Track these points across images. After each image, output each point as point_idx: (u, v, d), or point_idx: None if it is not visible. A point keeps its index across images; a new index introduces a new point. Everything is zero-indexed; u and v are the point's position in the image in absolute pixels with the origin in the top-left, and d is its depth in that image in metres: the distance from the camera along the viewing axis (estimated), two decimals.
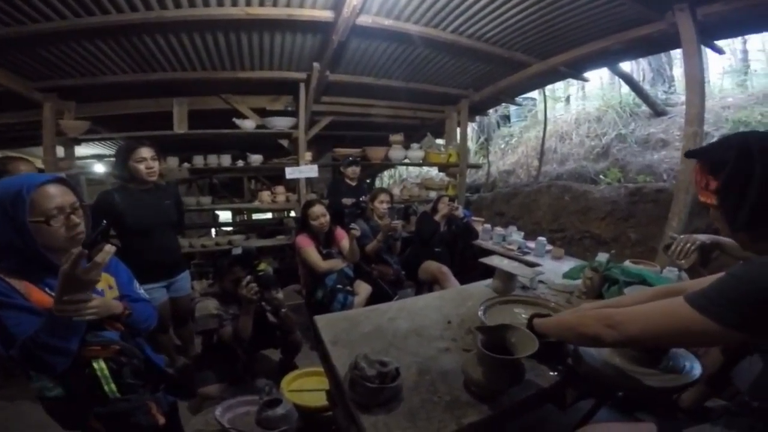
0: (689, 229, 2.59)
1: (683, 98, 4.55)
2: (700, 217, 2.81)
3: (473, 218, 3.77)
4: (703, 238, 1.54)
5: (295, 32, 2.95)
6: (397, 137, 4.52)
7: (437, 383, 1.14)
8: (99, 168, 4.22)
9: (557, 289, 1.88)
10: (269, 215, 6.57)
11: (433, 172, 6.09)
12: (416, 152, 4.56)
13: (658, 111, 5.13)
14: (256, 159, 3.89)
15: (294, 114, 3.86)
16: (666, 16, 2.66)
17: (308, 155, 3.85)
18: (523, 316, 1.43)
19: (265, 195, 3.91)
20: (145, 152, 2.12)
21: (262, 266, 3.11)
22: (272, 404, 1.66)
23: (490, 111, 6.18)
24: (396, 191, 4.64)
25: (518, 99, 5.16)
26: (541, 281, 1.97)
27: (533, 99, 6.83)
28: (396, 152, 4.43)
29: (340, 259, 2.73)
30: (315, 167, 3.69)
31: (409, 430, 0.96)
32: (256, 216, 7.35)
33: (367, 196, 3.39)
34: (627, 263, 2.10)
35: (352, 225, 2.65)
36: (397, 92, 4.23)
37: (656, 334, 0.82)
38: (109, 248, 1.02)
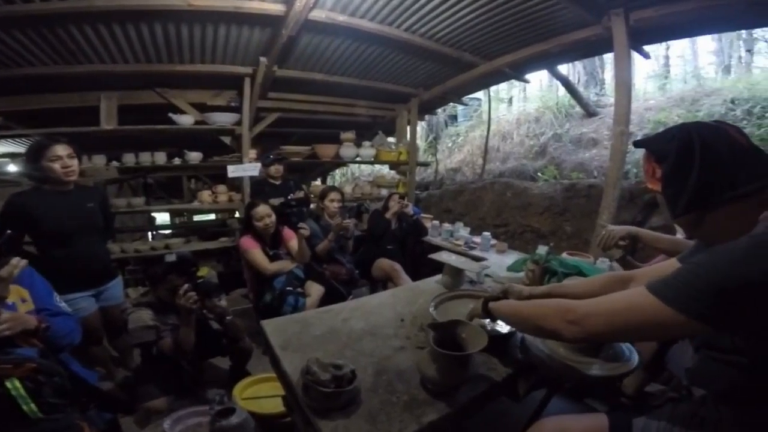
0: (617, 221, 2.83)
1: (612, 100, 4.96)
2: (627, 210, 3.08)
3: (422, 215, 3.84)
4: (621, 232, 1.65)
5: (241, 25, 2.82)
6: (349, 135, 4.47)
7: (395, 383, 1.13)
8: (12, 168, 3.75)
9: (502, 282, 1.95)
10: (212, 216, 6.23)
11: (385, 170, 6.14)
12: (368, 150, 4.54)
13: (589, 112, 5.55)
14: (194, 157, 3.67)
15: (237, 110, 3.68)
16: (602, 21, 2.85)
17: (252, 153, 3.70)
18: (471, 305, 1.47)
19: (206, 195, 3.70)
20: (60, 150, 1.88)
21: (204, 272, 2.94)
22: (225, 414, 1.57)
23: (439, 110, 6.34)
24: (348, 189, 4.60)
25: (465, 99, 5.34)
26: (487, 275, 2.04)
27: (479, 99, 7.11)
28: (347, 150, 4.39)
29: (288, 260, 2.64)
30: (259, 165, 3.55)
31: None
32: (198, 217, 6.94)
33: (294, 194, 3.32)
34: (564, 255, 2.25)
35: (301, 224, 2.57)
36: (349, 89, 4.18)
37: (621, 328, 0.80)
38: (18, 262, 0.90)
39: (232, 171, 3.41)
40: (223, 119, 3.59)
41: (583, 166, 4.66)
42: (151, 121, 3.41)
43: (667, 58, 7.52)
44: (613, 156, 2.85)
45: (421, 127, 7.59)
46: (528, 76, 4.38)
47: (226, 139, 3.82)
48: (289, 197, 3.30)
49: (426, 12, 2.85)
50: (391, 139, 5.21)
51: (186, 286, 1.77)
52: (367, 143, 4.61)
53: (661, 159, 0.88)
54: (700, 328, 0.72)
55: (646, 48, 3.29)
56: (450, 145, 7.46)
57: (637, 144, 0.96)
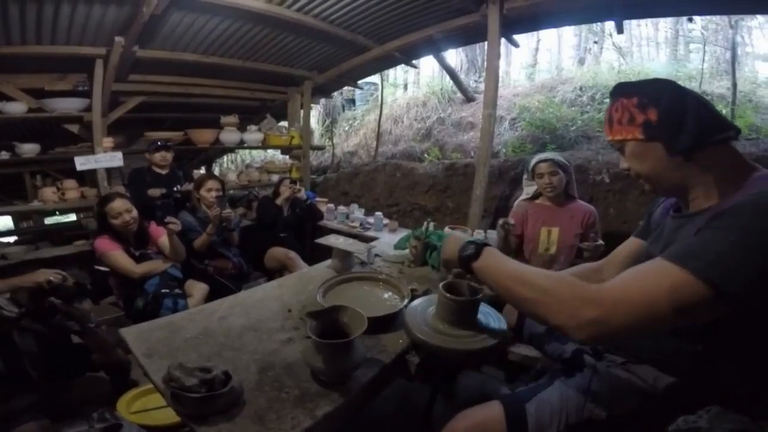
0: (489, 195, 3.16)
1: None
2: (497, 185, 3.47)
3: (317, 199, 3.80)
4: None
5: (91, 3, 2.42)
6: (230, 119, 4.16)
7: (283, 378, 1.07)
8: None
9: (390, 260, 1.99)
10: (74, 217, 5.29)
11: (278, 155, 5.90)
12: (254, 135, 4.29)
13: (468, 97, 6.04)
14: (29, 149, 3.07)
15: (87, 94, 3.15)
16: (481, 9, 3.05)
17: (109, 141, 3.21)
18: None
19: (49, 192, 3.12)
20: None
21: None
22: (111, 431, 1.37)
23: (335, 94, 6.28)
24: (232, 177, 4.30)
25: (362, 83, 5.37)
26: (377, 255, 2.06)
27: (375, 84, 7.23)
28: (229, 135, 4.07)
29: (160, 259, 2.37)
30: (118, 155, 3.09)
31: None
32: (53, 219, 5.86)
33: (181, 186, 3.03)
34: (446, 229, 2.42)
35: (169, 218, 2.32)
36: (231, 71, 3.87)
37: (656, 316, 0.66)
38: None
39: (82, 163, 2.92)
40: (66, 105, 3.06)
41: (462, 147, 5.10)
42: None
43: (536, 50, 8.58)
44: (483, 136, 3.15)
45: (317, 111, 7.47)
46: (422, 64, 4.57)
47: (73, 128, 3.24)
48: (175, 189, 2.96)
49: None
50: (283, 123, 4.99)
51: None
52: (253, 127, 4.34)
53: (649, 104, 0.83)
54: (721, 309, 0.64)
55: (517, 38, 3.66)
56: (347, 128, 7.51)
57: (621, 88, 0.91)
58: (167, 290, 2.27)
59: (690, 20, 5.61)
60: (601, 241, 2.07)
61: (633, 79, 4.57)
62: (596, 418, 0.94)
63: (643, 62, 7.01)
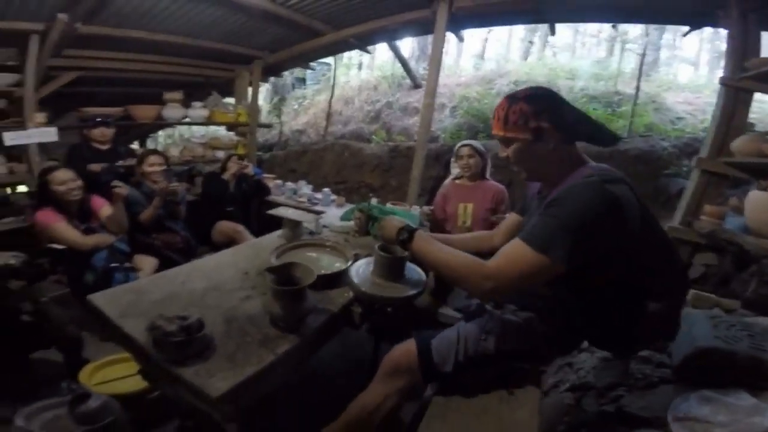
0: (425, 176, 3.45)
1: None
2: (433, 167, 3.80)
3: (265, 175, 3.86)
4: None
5: None
6: (174, 95, 4.03)
7: (246, 327, 1.22)
8: None
9: (337, 230, 2.19)
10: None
11: (222, 132, 5.77)
12: (199, 111, 4.20)
13: (416, 84, 6.27)
14: None
15: (18, 69, 2.98)
16: (432, 5, 3.31)
17: (41, 116, 3.06)
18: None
19: None
20: None
21: None
22: (82, 399, 1.42)
23: (286, 73, 6.20)
24: (174, 153, 4.21)
25: (313, 64, 5.37)
26: (325, 226, 2.25)
27: (328, 64, 7.18)
28: (172, 111, 3.96)
29: (106, 233, 2.33)
30: (53, 130, 2.96)
31: (231, 370, 1.03)
32: None
33: (124, 161, 2.98)
34: (388, 204, 2.70)
35: (115, 182, 2.26)
36: (178, 48, 3.76)
37: (521, 277, 0.96)
38: None
39: (12, 138, 2.78)
40: None
41: (407, 131, 5.37)
42: None
43: (486, 40, 8.81)
44: (422, 123, 3.43)
45: (265, 88, 7.31)
46: (374, 48, 4.66)
47: (0, 103, 3.04)
48: (118, 164, 2.89)
49: None
50: (229, 100, 4.90)
51: None
52: (198, 104, 4.25)
53: (547, 113, 1.04)
54: (560, 269, 0.92)
55: (465, 32, 3.97)
56: (296, 107, 7.47)
57: (529, 94, 1.09)
58: (117, 264, 2.25)
59: (614, 27, 6.23)
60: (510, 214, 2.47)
61: (562, 75, 5.12)
62: (488, 352, 1.18)
63: (573, 61, 7.66)
